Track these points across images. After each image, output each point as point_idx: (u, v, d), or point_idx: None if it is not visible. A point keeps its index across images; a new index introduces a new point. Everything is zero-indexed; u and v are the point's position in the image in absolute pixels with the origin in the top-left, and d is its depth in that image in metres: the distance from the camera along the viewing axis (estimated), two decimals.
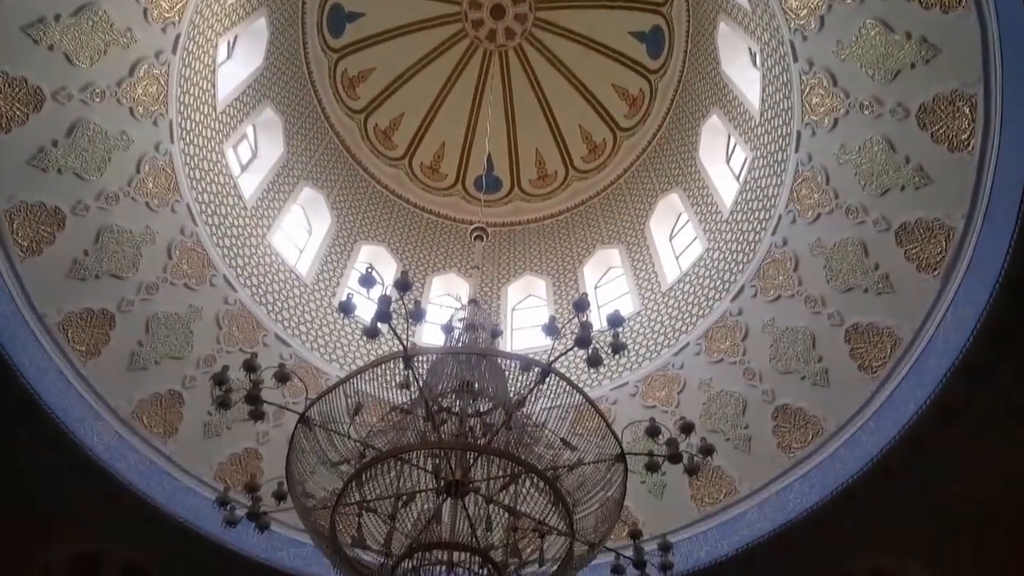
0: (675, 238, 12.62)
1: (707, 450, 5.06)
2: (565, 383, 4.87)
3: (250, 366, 4.90)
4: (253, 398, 4.84)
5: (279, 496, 5.31)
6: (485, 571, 4.67)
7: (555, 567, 4.94)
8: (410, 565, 4.64)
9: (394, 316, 4.59)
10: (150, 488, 8.55)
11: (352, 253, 12.90)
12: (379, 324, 4.58)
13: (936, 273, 7.85)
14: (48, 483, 8.11)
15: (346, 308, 4.80)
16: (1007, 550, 8.22)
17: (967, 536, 8.20)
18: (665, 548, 5.49)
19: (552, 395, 4.86)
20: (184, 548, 8.74)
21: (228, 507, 5.41)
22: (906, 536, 8.31)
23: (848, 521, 8.25)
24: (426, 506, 4.92)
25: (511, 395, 5.02)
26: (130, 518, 8.47)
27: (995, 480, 7.71)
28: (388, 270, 12.48)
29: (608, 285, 13.14)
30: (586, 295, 4.80)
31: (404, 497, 4.88)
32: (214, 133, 10.44)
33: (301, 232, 12.80)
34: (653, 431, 5.01)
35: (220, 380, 4.91)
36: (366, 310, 4.74)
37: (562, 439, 5.11)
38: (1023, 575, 8.00)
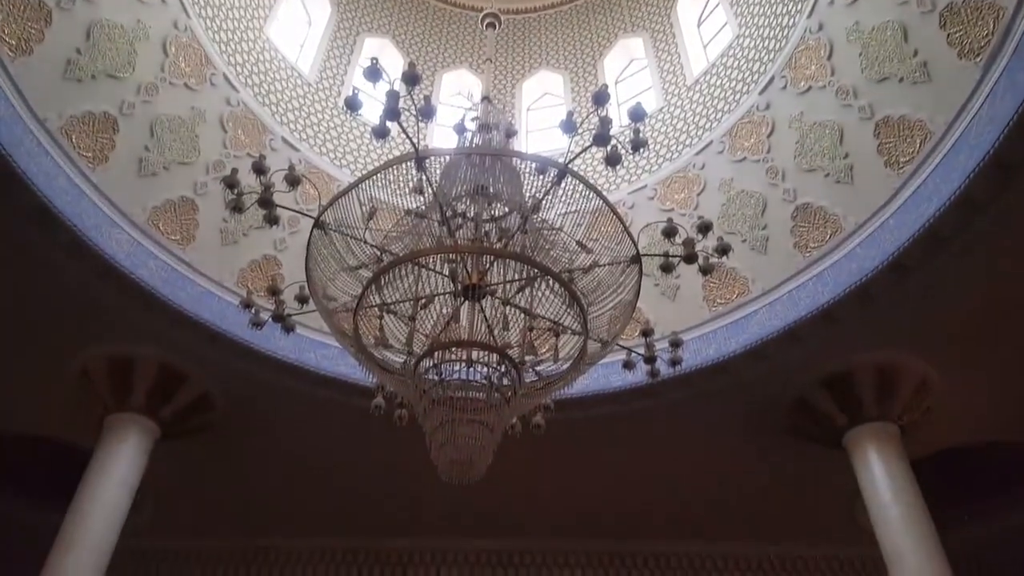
0: (703, 24, 11.78)
1: (723, 250, 4.98)
2: (582, 185, 4.71)
3: (259, 168, 4.75)
4: (266, 201, 4.74)
5: (301, 299, 5.38)
6: (502, 368, 4.81)
7: (568, 364, 5.08)
8: (431, 363, 4.77)
9: (403, 114, 4.37)
10: (174, 294, 8.73)
11: (355, 47, 12.20)
12: (388, 122, 4.36)
13: (978, 59, 7.33)
14: (75, 291, 8.31)
15: (352, 104, 4.55)
16: (1017, 348, 8.46)
17: (977, 334, 8.39)
18: (675, 344, 5.60)
19: (568, 199, 4.73)
20: (214, 351, 9.12)
21: (253, 310, 5.50)
22: (915, 334, 8.51)
23: (858, 319, 8.40)
24: (444, 309, 4.98)
25: (527, 198, 4.91)
26: (157, 323, 8.75)
27: (1014, 278, 7.74)
28: (395, 67, 11.90)
29: (629, 80, 12.50)
30: (606, 86, 4.48)
31: (423, 300, 4.92)
32: None
33: (300, 24, 12.05)
34: (670, 232, 4.90)
35: (231, 183, 4.78)
36: (373, 112, 4.50)
37: (578, 242, 5.05)
38: None
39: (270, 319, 5.46)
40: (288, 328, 5.49)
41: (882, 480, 8.43)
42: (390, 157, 4.83)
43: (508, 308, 4.96)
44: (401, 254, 4.79)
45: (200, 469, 10.69)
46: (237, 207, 4.75)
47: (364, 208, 4.91)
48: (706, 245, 4.91)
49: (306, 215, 5.09)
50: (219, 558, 12.34)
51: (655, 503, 11.32)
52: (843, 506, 10.87)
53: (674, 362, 5.55)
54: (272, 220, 4.85)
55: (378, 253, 4.98)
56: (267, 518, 11.86)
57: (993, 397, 9.29)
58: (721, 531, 11.85)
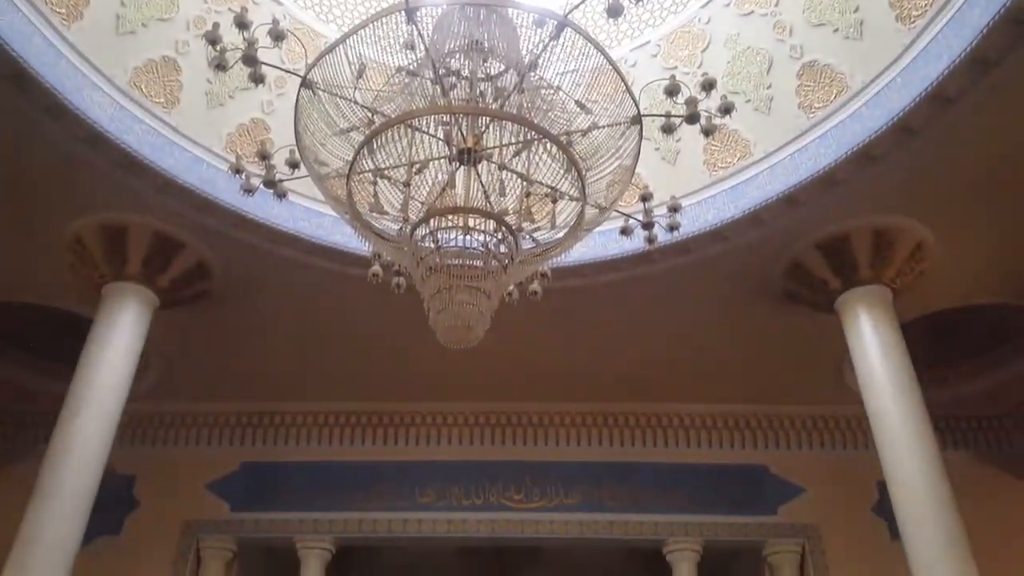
0: None
1: (726, 109, 4.82)
2: (582, 40, 4.49)
3: (241, 22, 4.50)
4: (250, 58, 4.53)
5: (292, 164, 5.25)
6: (499, 234, 4.77)
7: (565, 230, 5.04)
8: (427, 230, 4.73)
9: None
10: (162, 159, 8.49)
11: None
12: None
13: None
14: (62, 157, 8.08)
15: None
16: (1018, 211, 8.41)
17: (978, 196, 8.32)
18: (674, 209, 5.56)
19: (567, 56, 4.51)
20: (206, 219, 8.98)
21: (243, 176, 5.39)
22: (915, 196, 8.41)
23: (859, 182, 8.27)
24: (440, 175, 4.87)
25: (524, 54, 4.68)
26: (147, 191, 8.56)
27: (1021, 139, 7.58)
28: None
29: None
30: None
31: (417, 165, 4.80)
32: None
33: None
34: (672, 90, 4.73)
35: (212, 39, 4.54)
36: None
37: (576, 101, 4.88)
38: None
39: (261, 185, 5.36)
40: (280, 194, 5.41)
41: (871, 341, 8.61)
42: (378, 10, 4.54)
43: (504, 173, 4.86)
44: (393, 115, 4.63)
45: (201, 336, 10.87)
46: (220, 65, 4.54)
47: (353, 67, 4.70)
48: (709, 105, 4.75)
49: (293, 73, 4.88)
50: (225, 422, 12.80)
51: (650, 367, 11.63)
52: (832, 368, 11.21)
53: (672, 227, 5.52)
54: (258, 79, 4.66)
55: (369, 115, 4.82)
56: (269, 384, 12.20)
57: (989, 260, 9.35)
58: (713, 393, 12.27)
